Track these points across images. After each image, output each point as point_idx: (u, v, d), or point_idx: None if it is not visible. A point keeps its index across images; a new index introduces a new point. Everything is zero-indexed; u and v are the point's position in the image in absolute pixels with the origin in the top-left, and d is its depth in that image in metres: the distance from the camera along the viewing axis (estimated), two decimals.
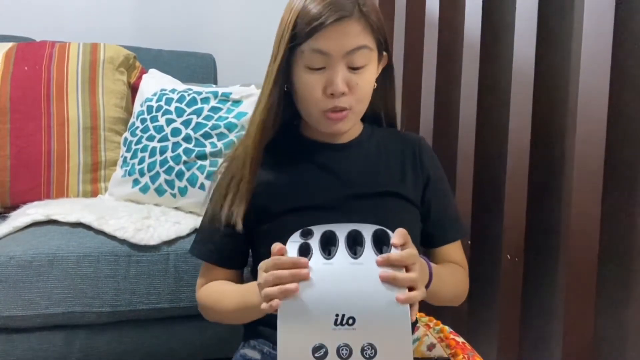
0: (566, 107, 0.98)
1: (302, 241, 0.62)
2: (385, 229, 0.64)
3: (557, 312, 1.00)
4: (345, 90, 0.74)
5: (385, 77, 0.84)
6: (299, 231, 0.64)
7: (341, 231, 0.63)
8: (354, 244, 0.63)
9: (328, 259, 0.60)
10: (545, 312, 1.03)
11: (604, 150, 0.85)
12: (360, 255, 0.60)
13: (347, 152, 0.83)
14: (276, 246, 0.63)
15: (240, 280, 0.84)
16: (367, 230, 0.63)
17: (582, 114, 0.89)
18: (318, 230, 0.64)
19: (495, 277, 1.10)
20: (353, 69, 0.75)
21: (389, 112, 0.89)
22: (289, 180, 0.81)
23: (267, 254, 0.76)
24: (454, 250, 0.87)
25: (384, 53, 0.81)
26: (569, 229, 0.92)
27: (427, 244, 0.86)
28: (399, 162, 0.84)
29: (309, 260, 0.60)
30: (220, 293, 0.80)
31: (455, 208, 0.90)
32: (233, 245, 0.80)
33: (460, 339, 0.84)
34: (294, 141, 0.84)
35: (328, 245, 0.62)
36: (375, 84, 0.81)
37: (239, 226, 0.76)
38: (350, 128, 0.81)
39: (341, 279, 0.59)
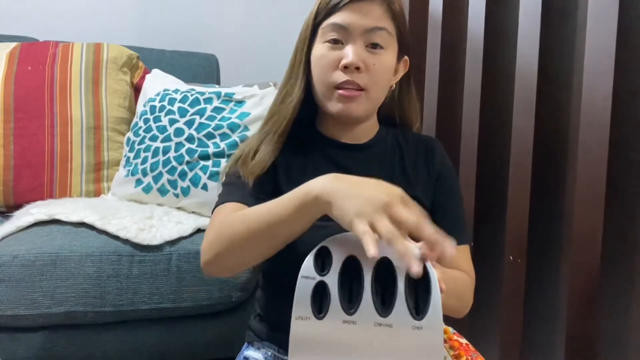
0: (569, 108, 0.98)
1: (318, 279, 0.51)
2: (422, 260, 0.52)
3: (559, 314, 0.99)
4: (360, 65, 0.72)
5: (405, 84, 0.84)
6: (313, 254, 0.53)
7: (368, 257, 0.51)
8: (384, 274, 0.52)
9: (350, 313, 0.50)
10: (548, 313, 1.03)
11: (607, 151, 0.85)
12: (391, 312, 0.50)
13: (362, 154, 0.82)
14: None
15: None
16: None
17: (585, 115, 0.89)
18: (338, 253, 0.53)
19: (498, 279, 1.10)
20: (371, 48, 0.74)
21: (404, 117, 0.87)
22: (304, 175, 0.77)
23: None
24: (459, 256, 0.82)
25: (405, 57, 0.81)
26: (571, 231, 0.92)
27: None
28: (412, 162, 0.83)
29: (325, 315, 0.50)
30: (247, 211, 0.67)
31: (461, 215, 0.86)
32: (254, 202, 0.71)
33: (463, 341, 0.84)
34: (312, 137, 0.83)
35: (350, 274, 0.52)
36: (394, 85, 0.81)
37: (250, 184, 0.74)
38: (361, 114, 0.77)
39: (364, 346, 0.50)
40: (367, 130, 0.83)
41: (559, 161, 1.00)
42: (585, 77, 0.89)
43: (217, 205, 0.76)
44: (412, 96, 0.87)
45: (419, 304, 0.50)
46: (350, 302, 0.51)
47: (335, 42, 0.74)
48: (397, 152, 0.84)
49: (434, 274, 0.51)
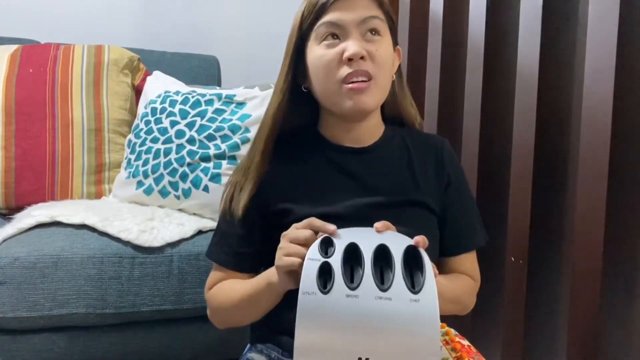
0: (570, 109, 0.98)
1: (323, 260, 0.56)
2: (415, 245, 0.58)
3: (561, 315, 0.99)
4: (364, 53, 0.71)
5: (398, 78, 0.83)
6: (318, 241, 0.59)
7: (366, 244, 0.58)
8: (381, 260, 0.57)
9: (352, 288, 0.55)
10: (550, 314, 1.02)
11: (609, 152, 0.85)
12: (389, 287, 0.55)
13: (368, 157, 0.79)
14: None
15: None
16: (397, 247, 0.58)
17: (586, 116, 0.89)
18: (340, 241, 0.59)
19: (499, 279, 1.10)
20: (370, 36, 0.73)
21: (405, 112, 0.86)
22: (308, 184, 0.78)
23: None
24: (466, 260, 0.83)
25: (398, 46, 0.80)
26: (573, 231, 0.92)
27: (441, 252, 0.81)
28: (421, 165, 0.80)
29: (330, 289, 0.55)
30: (231, 287, 0.78)
31: (475, 216, 0.85)
32: (248, 249, 0.78)
33: (465, 342, 0.83)
34: (314, 143, 0.81)
35: (351, 261, 0.57)
36: (394, 76, 0.80)
37: (238, 215, 0.76)
38: (373, 106, 0.76)
39: (366, 318, 0.54)
40: (372, 130, 0.81)
41: (560, 162, 1.00)
42: (586, 77, 0.88)
43: (210, 247, 0.82)
44: (405, 90, 0.85)
45: (414, 281, 0.56)
46: (352, 281, 0.56)
47: (333, 37, 0.72)
48: (405, 154, 0.81)
49: (427, 257, 0.57)
